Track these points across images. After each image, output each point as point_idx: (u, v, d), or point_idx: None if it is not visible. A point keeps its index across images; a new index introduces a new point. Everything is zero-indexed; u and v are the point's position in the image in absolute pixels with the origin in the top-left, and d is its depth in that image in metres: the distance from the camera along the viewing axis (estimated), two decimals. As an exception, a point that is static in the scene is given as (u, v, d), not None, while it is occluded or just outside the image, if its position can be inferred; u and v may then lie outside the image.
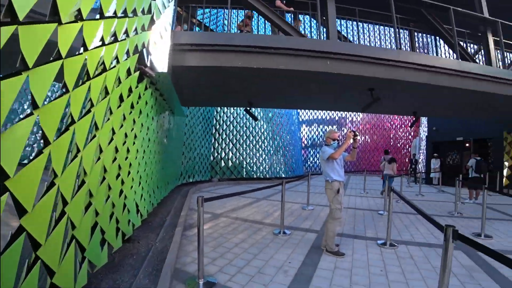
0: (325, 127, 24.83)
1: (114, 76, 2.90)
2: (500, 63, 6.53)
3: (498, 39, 6.20)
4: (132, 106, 3.74)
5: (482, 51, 6.77)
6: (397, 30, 5.57)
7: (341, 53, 4.99)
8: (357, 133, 3.83)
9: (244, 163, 14.02)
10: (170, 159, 8.39)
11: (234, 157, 13.82)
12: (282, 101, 8.61)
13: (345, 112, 24.40)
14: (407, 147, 22.66)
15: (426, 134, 16.97)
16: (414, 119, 8.98)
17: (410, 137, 22.82)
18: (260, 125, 15.09)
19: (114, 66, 2.87)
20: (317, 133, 25.13)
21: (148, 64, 3.93)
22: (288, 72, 4.98)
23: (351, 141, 3.84)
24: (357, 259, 3.71)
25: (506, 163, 11.99)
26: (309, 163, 24.68)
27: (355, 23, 6.29)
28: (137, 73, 3.76)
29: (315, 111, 25.33)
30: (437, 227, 2.40)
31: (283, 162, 15.84)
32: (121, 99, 3.27)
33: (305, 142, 24.92)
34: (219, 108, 14.04)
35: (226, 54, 4.62)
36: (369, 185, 12.75)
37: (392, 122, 23.41)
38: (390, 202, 4.41)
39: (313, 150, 24.77)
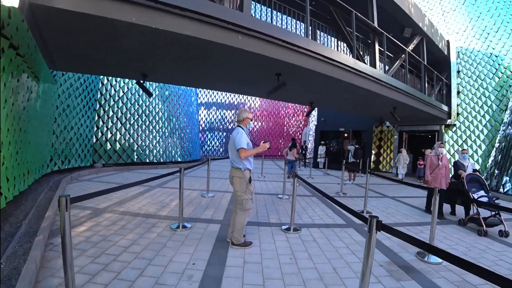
0: (224, 111, 24.81)
1: None
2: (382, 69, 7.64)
3: (382, 49, 7.20)
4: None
5: (368, 56, 7.72)
6: (308, 20, 5.63)
7: (254, 30, 4.62)
8: (269, 143, 3.55)
9: (135, 145, 12.34)
10: (32, 140, 6.39)
11: (122, 138, 11.95)
12: (182, 77, 7.61)
13: (244, 97, 24.97)
14: (297, 135, 25.06)
15: (315, 123, 19.04)
16: (310, 109, 9.66)
17: (301, 125, 25.29)
18: (154, 103, 13.56)
19: None
20: (215, 116, 24.86)
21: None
22: (194, 41, 4.24)
23: (264, 149, 3.51)
24: (265, 249, 3.55)
25: (373, 151, 14.91)
26: (206, 147, 24.27)
27: (269, 9, 6.04)
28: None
29: (214, 94, 24.94)
30: (359, 218, 2.35)
31: (179, 146, 14.85)
32: None
33: (203, 125, 24.34)
34: (105, 80, 11.77)
35: (116, 2, 3.51)
36: (266, 170, 13.34)
37: (286, 111, 25.33)
38: (295, 187, 4.43)
39: (211, 134, 24.47)
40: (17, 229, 3.50)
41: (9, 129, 4.47)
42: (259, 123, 24.88)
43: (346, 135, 16.81)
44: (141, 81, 6.52)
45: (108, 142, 11.48)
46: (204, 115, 24.57)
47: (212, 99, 24.81)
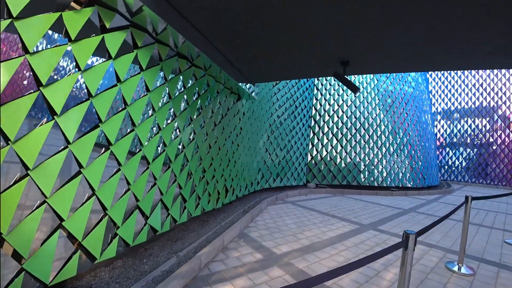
0: (472, 119, 17.76)
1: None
2: None
3: None
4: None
5: None
6: None
7: None
8: None
9: (352, 165, 10.51)
10: (238, 158, 6.13)
11: (338, 156, 10.51)
12: (408, 56, 4.47)
13: (505, 96, 16.75)
14: None
15: None
16: None
17: None
18: (375, 114, 11.18)
19: None
20: (459, 127, 18.29)
21: None
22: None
23: None
24: None
25: None
26: (445, 168, 18.27)
27: None
28: None
29: (455, 96, 18.52)
30: None
31: (409, 166, 11.39)
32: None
33: (442, 140, 18.51)
34: (319, 94, 10.99)
35: None
36: None
37: None
38: None
39: (453, 151, 18.14)
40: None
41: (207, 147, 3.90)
42: None
43: None
44: (341, 73, 4.51)
45: (323, 161, 10.39)
46: (443, 126, 18.73)
47: (453, 104, 18.56)
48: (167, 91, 3.69)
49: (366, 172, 10.48)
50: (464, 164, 17.49)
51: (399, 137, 11.39)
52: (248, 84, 6.37)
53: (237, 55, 4.32)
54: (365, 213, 6.54)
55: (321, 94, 11.02)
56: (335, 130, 10.67)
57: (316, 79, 11.14)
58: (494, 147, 16.76)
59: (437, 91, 19.08)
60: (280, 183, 8.87)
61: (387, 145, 11.02)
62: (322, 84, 11.15)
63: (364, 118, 11.01)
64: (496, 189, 15.48)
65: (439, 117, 18.76)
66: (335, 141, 10.57)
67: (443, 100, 18.75)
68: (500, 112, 16.94)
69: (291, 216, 5.90)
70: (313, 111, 10.81)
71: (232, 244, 4.06)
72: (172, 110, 3.84)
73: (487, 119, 17.31)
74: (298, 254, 3.76)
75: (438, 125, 18.60)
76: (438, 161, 17.59)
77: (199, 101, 4.55)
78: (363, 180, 10.39)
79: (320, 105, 10.93)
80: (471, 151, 17.42)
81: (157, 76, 3.38)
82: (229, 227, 4.47)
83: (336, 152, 10.46)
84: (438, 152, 18.12)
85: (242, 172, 6.55)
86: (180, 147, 4.00)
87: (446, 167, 17.91)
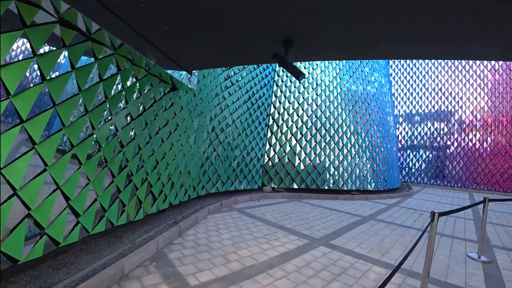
0: (432, 122, 18.07)
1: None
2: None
3: None
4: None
5: None
6: None
7: None
8: None
9: (311, 167, 9.85)
10: (173, 159, 5.11)
11: (297, 158, 9.80)
12: (361, 46, 3.74)
13: (461, 101, 17.26)
14: None
15: None
16: None
17: None
18: (337, 113, 10.64)
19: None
20: (418, 130, 18.49)
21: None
22: None
23: None
24: None
25: None
26: (406, 170, 18.41)
27: None
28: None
29: (416, 100, 18.76)
30: None
31: (370, 169, 11.00)
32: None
33: (403, 142, 18.66)
34: (279, 91, 10.22)
35: None
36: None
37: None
38: None
39: (414, 153, 18.29)
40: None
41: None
42: (490, 138, 16.27)
43: None
44: (281, 55, 3.66)
45: (280, 162, 9.62)
46: (404, 128, 18.89)
47: (414, 107, 18.78)
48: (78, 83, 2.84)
49: (326, 175, 9.86)
50: (423, 166, 17.74)
51: (361, 138, 10.95)
52: (193, 78, 5.41)
53: (152, 32, 3.30)
54: (320, 223, 5.78)
55: (281, 91, 10.26)
56: (294, 129, 9.95)
57: (276, 75, 10.38)
58: (451, 150, 17.19)
59: (399, 94, 19.28)
60: (231, 186, 7.92)
61: (349, 146, 10.50)
62: (282, 81, 10.40)
63: (325, 117, 10.41)
64: (452, 190, 15.76)
65: (401, 119, 18.93)
66: (294, 141, 9.84)
67: (405, 103, 18.97)
68: (456, 116, 17.43)
69: (231, 228, 4.98)
70: (272, 109, 10.01)
71: (138, 271, 3.04)
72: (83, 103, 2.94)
73: (445, 122, 17.73)
74: (218, 287, 2.83)
75: (400, 127, 18.75)
76: (399, 163, 17.70)
77: (124, 93, 3.57)
78: (322, 183, 9.75)
79: (280, 102, 10.17)
80: (430, 154, 17.73)
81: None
82: (144, 244, 3.47)
83: (294, 153, 9.73)
84: (399, 154, 18.23)
85: (179, 175, 5.52)
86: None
87: (407, 169, 18.05)
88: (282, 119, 9.98)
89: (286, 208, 7.01)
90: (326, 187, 9.75)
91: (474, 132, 16.75)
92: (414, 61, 19.31)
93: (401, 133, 18.62)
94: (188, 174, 5.89)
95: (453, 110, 17.67)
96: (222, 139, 7.36)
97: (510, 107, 16.00)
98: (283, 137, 9.81)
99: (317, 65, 11.27)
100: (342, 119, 10.69)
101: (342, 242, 4.59)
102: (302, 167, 9.64)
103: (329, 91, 10.93)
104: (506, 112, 16.00)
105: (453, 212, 2.93)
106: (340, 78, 11.45)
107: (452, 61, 18.07)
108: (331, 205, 7.96)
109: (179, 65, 4.54)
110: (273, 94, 10.15)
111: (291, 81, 10.49)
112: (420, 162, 17.90)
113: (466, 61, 17.69)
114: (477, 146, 16.52)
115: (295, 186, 9.47)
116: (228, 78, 7.59)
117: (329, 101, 10.73)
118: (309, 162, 9.75)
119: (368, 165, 10.82)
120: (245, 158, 8.43)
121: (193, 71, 5.49)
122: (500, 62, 16.83)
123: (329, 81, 11.17)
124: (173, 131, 5.12)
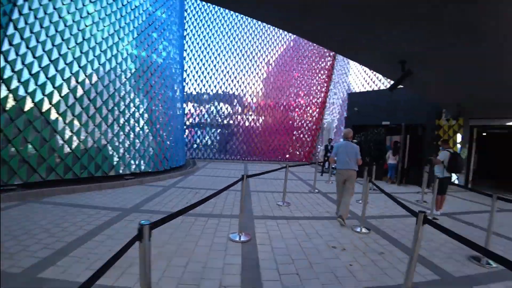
0: (219, 103, 19.56)
1: None
2: None
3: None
4: None
5: None
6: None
7: None
8: None
9: (65, 150, 7.30)
10: None
11: (40, 139, 6.90)
12: None
13: (242, 86, 19.93)
14: (312, 131, 20.44)
15: (344, 115, 14.33)
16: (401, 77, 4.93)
17: (314, 120, 20.62)
18: (108, 80, 8.46)
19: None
20: (206, 108, 19.50)
21: None
22: None
23: None
24: None
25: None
26: (195, 147, 19.02)
27: None
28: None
29: (204, 83, 19.53)
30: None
31: (149, 148, 9.85)
32: None
33: (191, 121, 19.00)
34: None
35: None
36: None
37: (297, 101, 20.64)
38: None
39: (201, 131, 19.14)
40: None
41: None
42: (261, 118, 20.04)
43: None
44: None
45: (11, 146, 6.40)
46: (193, 106, 19.22)
47: (204, 86, 19.46)
48: None
49: (87, 159, 7.66)
50: (209, 142, 19.12)
51: (139, 112, 9.44)
52: None
53: None
54: (44, 237, 3.81)
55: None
56: (37, 99, 6.90)
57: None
58: (233, 128, 19.54)
59: (191, 71, 19.30)
60: None
61: (121, 121, 8.71)
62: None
63: (90, 83, 7.97)
64: (233, 163, 17.86)
65: (191, 97, 19.15)
66: (36, 115, 6.84)
67: (195, 81, 19.25)
68: (239, 98, 19.90)
69: None
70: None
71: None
72: None
73: (229, 103, 19.75)
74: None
75: (190, 104, 18.96)
76: (187, 141, 18.01)
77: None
78: (81, 171, 7.50)
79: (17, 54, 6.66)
80: (215, 131, 19.26)
81: None
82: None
83: (37, 131, 6.79)
84: (188, 132, 18.55)
85: None
86: None
87: (194, 146, 18.71)
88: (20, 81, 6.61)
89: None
90: (87, 176, 7.60)
91: (250, 113, 19.88)
92: (209, 41, 19.95)
93: (189, 110, 18.95)
94: None
95: (236, 93, 19.87)
96: None
97: (275, 94, 20.19)
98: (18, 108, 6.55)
99: (88, 13, 8.45)
100: (114, 88, 8.66)
101: (60, 271, 2.93)
102: (48, 151, 6.89)
103: (101, 50, 8.51)
104: (273, 98, 20.04)
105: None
106: (118, 38, 9.23)
107: (240, 49, 20.26)
108: (86, 200, 6.07)
109: None
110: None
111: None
112: (206, 139, 19.10)
113: (250, 51, 20.34)
114: (251, 125, 19.64)
115: (38, 179, 6.66)
116: None
117: (100, 64, 8.35)
118: (62, 143, 7.14)
119: (146, 144, 9.58)
120: None
121: None
122: (274, 57, 20.70)
123: (103, 38, 8.72)
124: None
